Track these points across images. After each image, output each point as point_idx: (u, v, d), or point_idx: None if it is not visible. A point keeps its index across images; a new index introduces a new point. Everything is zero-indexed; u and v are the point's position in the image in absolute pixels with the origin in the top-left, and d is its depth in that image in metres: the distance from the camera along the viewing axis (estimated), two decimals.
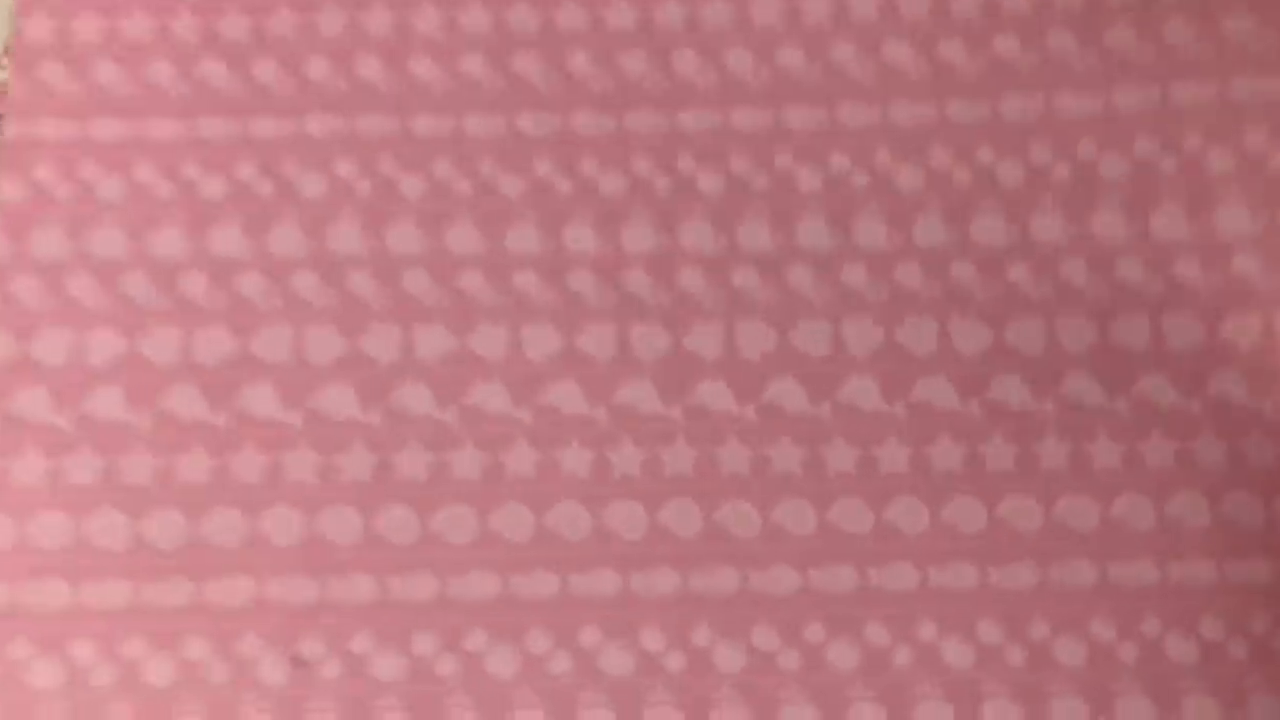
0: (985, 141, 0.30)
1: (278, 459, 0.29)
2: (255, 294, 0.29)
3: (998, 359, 0.29)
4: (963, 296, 0.29)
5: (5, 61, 0.31)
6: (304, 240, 0.30)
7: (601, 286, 0.29)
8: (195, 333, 0.29)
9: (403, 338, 0.29)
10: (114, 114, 0.30)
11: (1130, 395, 0.29)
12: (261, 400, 0.29)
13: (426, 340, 0.29)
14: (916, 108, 0.30)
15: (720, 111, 0.30)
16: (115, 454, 0.29)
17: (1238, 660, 0.27)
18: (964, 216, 0.30)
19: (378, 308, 0.29)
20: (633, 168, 0.30)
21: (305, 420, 0.29)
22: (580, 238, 0.30)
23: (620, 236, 0.30)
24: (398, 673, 0.28)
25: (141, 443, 0.29)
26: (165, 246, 0.30)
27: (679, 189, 0.30)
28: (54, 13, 0.31)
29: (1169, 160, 0.30)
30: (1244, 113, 0.30)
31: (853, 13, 0.31)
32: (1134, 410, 0.29)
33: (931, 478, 0.28)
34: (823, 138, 0.30)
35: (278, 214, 0.30)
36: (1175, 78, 0.30)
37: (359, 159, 0.30)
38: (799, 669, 0.27)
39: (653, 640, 0.28)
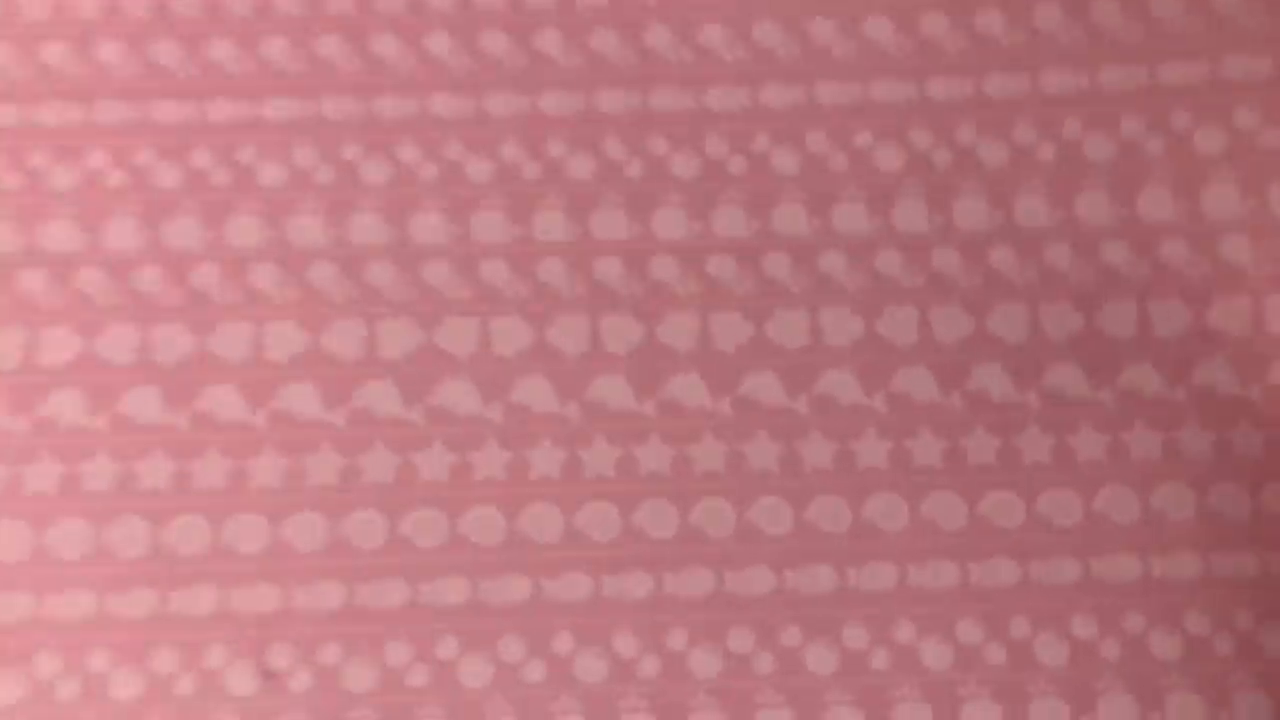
0: (968, 121, 0.29)
1: (241, 464, 0.28)
2: (213, 288, 0.28)
3: (979, 347, 0.28)
4: (944, 283, 0.29)
5: None
6: (262, 230, 0.29)
7: (572, 276, 0.29)
8: (152, 330, 0.28)
9: (368, 333, 0.28)
10: (63, 97, 0.29)
11: (1115, 385, 0.28)
12: (223, 402, 0.28)
13: (391, 335, 0.28)
14: (897, 86, 0.29)
15: (694, 91, 0.29)
16: (76, 460, 0.28)
17: (1223, 656, 0.27)
18: (945, 199, 0.29)
19: (340, 301, 0.28)
20: (603, 150, 0.29)
21: (269, 422, 0.28)
22: (549, 225, 0.29)
23: (590, 223, 0.29)
24: (369, 683, 0.27)
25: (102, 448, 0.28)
26: (118, 239, 0.29)
27: (651, 172, 0.29)
28: None
29: (1156, 140, 0.29)
30: (1234, 91, 0.29)
31: None
32: (1118, 400, 0.28)
33: (911, 473, 0.28)
34: (800, 117, 0.29)
35: (236, 203, 0.29)
36: (1164, 55, 0.29)
37: (320, 144, 0.29)
38: (775, 672, 0.27)
39: (626, 645, 0.27)
